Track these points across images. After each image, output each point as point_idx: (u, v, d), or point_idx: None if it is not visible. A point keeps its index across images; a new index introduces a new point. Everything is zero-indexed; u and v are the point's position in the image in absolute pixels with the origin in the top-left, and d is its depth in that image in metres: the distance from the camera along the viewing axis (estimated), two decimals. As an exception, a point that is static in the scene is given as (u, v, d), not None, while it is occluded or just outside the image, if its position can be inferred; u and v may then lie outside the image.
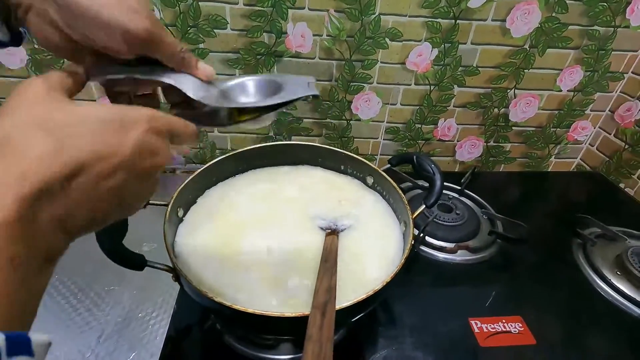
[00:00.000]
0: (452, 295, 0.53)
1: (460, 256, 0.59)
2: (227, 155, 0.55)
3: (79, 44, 0.24)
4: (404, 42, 0.72)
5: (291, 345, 0.43)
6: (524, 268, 0.59)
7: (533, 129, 0.87)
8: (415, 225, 0.59)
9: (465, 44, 0.73)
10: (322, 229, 0.47)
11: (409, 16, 0.69)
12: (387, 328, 0.48)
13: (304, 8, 0.67)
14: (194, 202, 0.50)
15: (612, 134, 0.85)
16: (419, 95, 0.79)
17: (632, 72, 0.80)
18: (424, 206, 0.45)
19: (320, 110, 0.80)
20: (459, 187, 0.73)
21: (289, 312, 0.32)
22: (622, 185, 0.83)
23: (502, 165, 0.93)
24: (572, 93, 0.82)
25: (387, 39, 0.71)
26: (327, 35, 0.70)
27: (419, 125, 0.84)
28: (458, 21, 0.70)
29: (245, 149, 0.57)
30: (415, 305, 0.52)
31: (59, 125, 0.18)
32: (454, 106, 0.82)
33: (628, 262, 0.56)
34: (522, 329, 0.48)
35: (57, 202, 0.17)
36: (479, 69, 0.77)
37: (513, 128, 0.86)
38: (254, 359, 0.43)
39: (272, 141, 0.83)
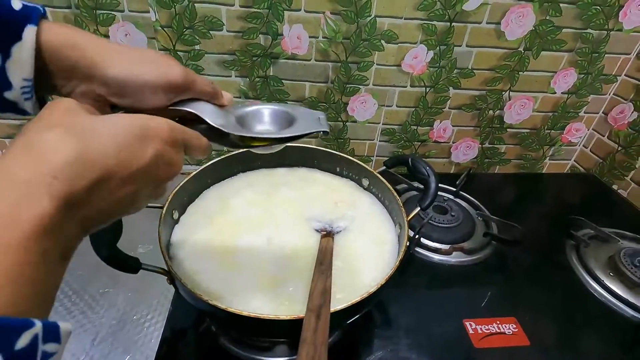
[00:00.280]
0: (447, 296, 0.54)
1: (455, 258, 0.60)
2: (223, 157, 0.55)
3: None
4: (399, 44, 0.72)
5: (286, 348, 0.43)
6: (519, 269, 0.59)
7: (527, 130, 0.88)
8: (411, 227, 0.59)
9: (460, 46, 0.74)
10: (317, 230, 0.47)
11: (405, 18, 0.69)
12: (382, 329, 0.48)
13: (300, 10, 0.67)
14: (190, 204, 0.50)
15: (606, 136, 0.86)
16: (415, 97, 0.80)
17: (625, 75, 0.81)
18: (418, 208, 0.45)
19: (316, 112, 0.80)
20: (454, 189, 0.73)
21: (284, 314, 0.32)
22: (615, 187, 0.83)
23: (497, 166, 0.93)
24: (566, 95, 0.83)
25: (382, 41, 0.72)
26: (323, 37, 0.70)
27: (415, 127, 0.84)
28: (453, 24, 0.71)
29: (241, 150, 0.57)
30: (411, 306, 0.52)
31: (85, 130, 0.19)
32: (449, 108, 0.82)
33: (621, 263, 0.56)
34: (517, 330, 0.48)
35: (83, 204, 0.18)
36: (474, 71, 0.77)
37: (508, 130, 0.87)
38: (249, 361, 0.43)
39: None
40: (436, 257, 0.60)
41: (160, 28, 0.68)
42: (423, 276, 0.57)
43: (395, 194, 0.48)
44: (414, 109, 0.81)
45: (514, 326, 0.49)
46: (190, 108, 0.29)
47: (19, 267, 0.15)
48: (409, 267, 0.59)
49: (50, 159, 0.17)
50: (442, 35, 0.72)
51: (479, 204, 0.71)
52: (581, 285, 0.56)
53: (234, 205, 0.51)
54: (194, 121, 0.29)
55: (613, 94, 0.83)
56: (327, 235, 0.45)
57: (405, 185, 0.71)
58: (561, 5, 0.70)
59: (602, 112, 0.86)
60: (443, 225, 0.63)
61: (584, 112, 0.86)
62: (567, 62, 0.78)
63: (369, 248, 0.45)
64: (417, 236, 0.58)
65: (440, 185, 0.72)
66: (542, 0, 0.69)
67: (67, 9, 0.65)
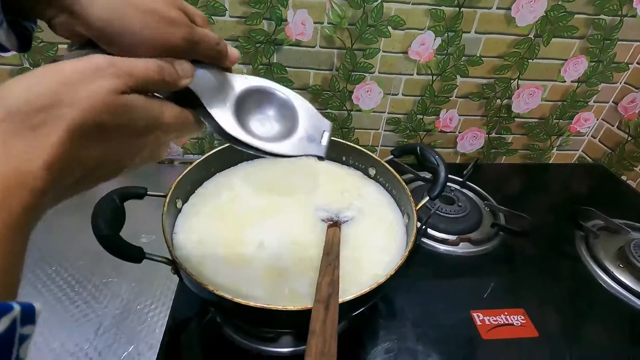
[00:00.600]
0: (453, 287, 0.53)
1: (462, 248, 0.59)
2: (227, 145, 0.54)
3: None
4: (406, 30, 0.70)
5: (292, 338, 0.42)
6: (527, 260, 0.58)
7: (536, 120, 0.86)
8: (417, 217, 0.59)
9: (469, 32, 0.72)
10: (323, 221, 0.46)
11: (412, 4, 0.67)
12: (388, 320, 0.48)
13: (304, -6, 0.65)
14: (193, 193, 0.49)
15: (615, 126, 0.84)
16: (421, 85, 0.78)
17: (638, 63, 0.79)
18: (427, 198, 0.44)
19: (320, 101, 0.78)
20: (461, 179, 0.72)
21: (290, 304, 0.32)
22: (624, 178, 0.82)
23: (504, 157, 0.92)
24: (576, 84, 0.81)
25: (389, 27, 0.70)
26: (328, 23, 0.68)
27: (421, 116, 0.83)
28: (462, 9, 0.69)
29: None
30: (417, 297, 0.51)
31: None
32: (456, 97, 0.81)
33: (631, 255, 0.56)
34: (525, 321, 0.48)
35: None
36: (483, 58, 0.75)
37: (515, 119, 0.85)
38: (254, 352, 0.43)
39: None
40: (443, 247, 0.59)
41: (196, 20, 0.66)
42: (429, 267, 0.56)
43: (404, 183, 0.47)
44: (420, 97, 0.80)
45: (522, 317, 0.48)
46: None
47: None
48: (415, 257, 0.58)
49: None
50: (451, 21, 0.70)
51: (486, 194, 0.70)
52: (590, 276, 0.55)
53: (239, 194, 0.50)
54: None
55: (624, 83, 0.81)
56: (334, 225, 0.44)
57: (412, 175, 0.69)
58: (574, -11, 0.68)
59: (612, 101, 0.84)
60: (450, 215, 0.62)
61: (594, 102, 0.84)
62: (578, 49, 0.76)
63: (377, 238, 0.44)
64: (423, 227, 0.57)
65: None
66: (554, -16, 0.67)
67: None
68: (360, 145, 0.86)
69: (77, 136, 0.17)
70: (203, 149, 0.84)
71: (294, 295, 0.37)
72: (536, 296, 0.52)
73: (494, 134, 0.88)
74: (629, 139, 0.81)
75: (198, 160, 0.49)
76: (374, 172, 0.53)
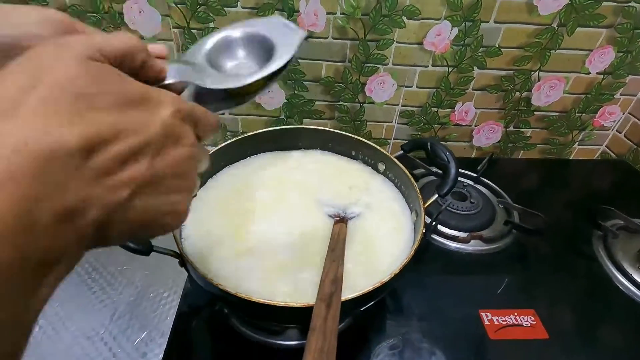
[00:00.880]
0: (462, 285, 0.52)
1: (473, 246, 0.58)
2: (237, 138, 0.54)
3: None
4: (422, 20, 0.68)
5: (297, 332, 0.43)
6: (540, 260, 0.57)
7: (557, 113, 0.83)
8: (428, 214, 0.58)
9: (487, 22, 0.69)
10: (330, 216, 0.46)
11: (429, -8, 0.65)
12: (394, 316, 0.48)
13: (317, -16, 0.64)
14: (203, 185, 0.50)
15: (643, 120, 0.80)
16: (436, 77, 0.76)
17: (670, 54, 0.74)
18: (436, 195, 0.43)
19: (332, 93, 0.77)
20: (475, 175, 0.70)
21: (295, 300, 0.32)
22: (649, 175, 0.79)
23: (522, 151, 0.89)
24: (602, 76, 0.77)
25: (404, 17, 0.68)
26: (341, 14, 0.67)
27: (435, 109, 0.81)
28: (481, -3, 0.66)
29: (256, 132, 0.56)
30: (425, 294, 0.51)
31: (79, 88, 0.15)
32: (472, 89, 0.78)
33: (652, 257, 0.53)
34: (535, 322, 0.47)
35: (64, 186, 0.13)
36: (502, 49, 0.73)
37: (535, 113, 0.82)
38: (260, 344, 0.43)
39: (284, 124, 0.82)
40: (453, 245, 0.58)
41: (173, 5, 0.66)
42: (439, 264, 0.56)
43: (413, 179, 0.46)
44: (435, 89, 0.78)
45: (533, 318, 0.47)
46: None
47: None
48: (425, 254, 0.57)
49: (24, 124, 0.13)
50: (469, 10, 0.67)
51: (500, 190, 0.68)
52: (607, 278, 0.54)
53: (247, 188, 0.50)
54: None
55: (654, 74, 0.77)
56: (340, 221, 0.44)
57: (423, 170, 0.68)
58: (602, -25, 0.64)
59: (641, 94, 0.80)
60: (462, 212, 0.60)
61: (620, 95, 0.80)
62: (605, 39, 0.72)
63: (384, 235, 0.44)
64: (434, 223, 0.57)
65: (460, 170, 0.70)
66: (581, -29, 0.64)
67: (82, -15, 0.64)
68: (372, 138, 0.85)
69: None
70: (216, 141, 0.85)
71: (299, 290, 0.37)
72: (548, 297, 0.50)
73: (511, 128, 0.85)
74: (656, 135, 0.77)
75: (209, 153, 0.50)
76: (384, 167, 0.52)
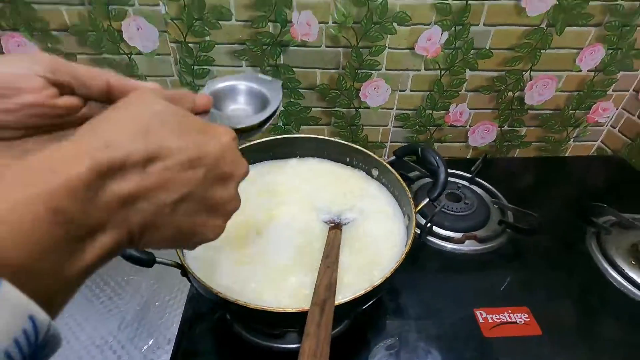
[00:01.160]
0: (458, 285, 0.54)
1: (468, 246, 0.59)
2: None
3: None
4: (412, 26, 0.70)
5: (297, 335, 0.44)
6: (534, 258, 0.58)
7: (550, 111, 0.84)
8: (423, 215, 0.59)
9: (477, 25, 0.71)
10: (325, 222, 0.47)
11: (418, -1, 0.67)
12: (392, 317, 0.49)
13: (308, -5, 0.66)
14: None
15: (636, 115, 0.81)
16: (429, 80, 0.77)
17: (660, 49, 0.75)
18: (427, 199, 0.45)
19: (328, 99, 0.79)
20: (470, 175, 0.72)
21: (291, 304, 0.33)
22: (644, 169, 0.79)
23: (517, 150, 0.90)
24: (593, 73, 0.78)
25: (395, 24, 0.69)
26: (333, 23, 0.69)
27: (430, 112, 0.82)
28: (470, 1, 0.67)
29: (253, 142, 0.58)
30: (421, 295, 0.52)
31: (153, 114, 0.19)
32: (465, 91, 0.79)
33: (644, 252, 0.54)
34: (528, 319, 0.48)
35: (129, 181, 0.17)
36: (492, 51, 0.74)
37: (529, 111, 0.83)
38: (261, 347, 0.45)
39: (282, 131, 0.84)
40: (449, 245, 0.59)
41: (170, 20, 0.68)
42: (434, 265, 0.57)
43: (405, 185, 0.47)
44: (428, 92, 0.79)
45: (526, 316, 0.48)
46: None
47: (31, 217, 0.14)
48: (421, 255, 0.59)
49: (108, 133, 0.18)
50: (458, 14, 0.69)
51: (495, 190, 0.69)
52: (600, 274, 0.55)
53: (245, 196, 0.51)
54: None
55: (645, 70, 0.78)
56: (335, 227, 0.46)
57: (418, 173, 0.70)
58: (588, -25, 0.65)
59: (633, 90, 0.81)
60: (456, 213, 0.62)
61: (613, 91, 0.81)
62: (594, 37, 0.73)
63: (377, 239, 0.45)
64: (429, 224, 0.58)
65: (455, 171, 0.72)
66: (567, -28, 0.65)
67: (81, 5, 0.66)
68: (369, 142, 0.87)
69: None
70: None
71: (296, 294, 0.39)
72: (542, 294, 0.52)
73: (506, 127, 0.86)
74: (650, 129, 0.78)
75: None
76: (377, 172, 0.54)
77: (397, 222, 0.48)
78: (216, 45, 0.71)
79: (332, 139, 0.58)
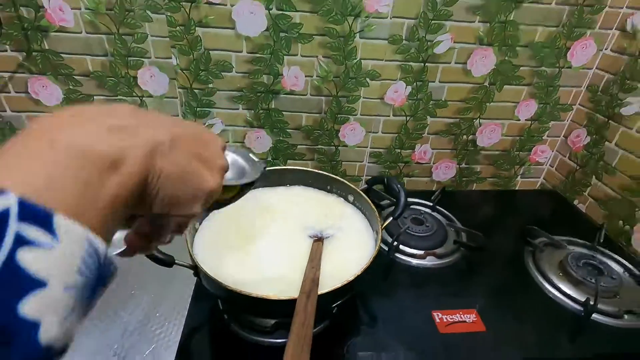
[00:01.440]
0: (420, 293, 0.64)
1: (429, 261, 0.70)
2: (233, 178, 0.67)
3: None
4: (382, 81, 0.85)
5: (285, 331, 0.53)
6: (482, 271, 0.69)
7: (499, 152, 0.99)
8: (390, 234, 0.71)
9: (434, 82, 0.87)
10: (310, 237, 0.58)
11: (385, 60, 0.83)
12: (364, 320, 0.59)
13: (297, 55, 0.80)
14: (206, 217, 0.62)
15: (567, 157, 0.98)
16: (397, 124, 0.92)
17: (579, 104, 0.93)
18: (391, 218, 0.56)
19: (312, 138, 0.92)
20: (431, 204, 0.85)
21: (282, 297, 0.43)
22: (576, 202, 0.94)
23: (475, 184, 1.05)
24: (530, 122, 0.95)
25: (367, 79, 0.85)
26: (316, 76, 0.83)
27: (399, 150, 0.96)
28: (427, 64, 0.84)
29: (248, 172, 0.69)
30: (390, 302, 0.62)
31: (170, 120, 0.25)
32: (428, 133, 0.94)
33: (568, 265, 0.67)
34: (476, 319, 0.58)
35: (166, 154, 0.22)
36: (448, 102, 0.90)
37: (481, 152, 0.99)
38: (254, 342, 0.53)
39: (270, 165, 0.95)
40: (413, 261, 0.70)
41: (180, 71, 0.81)
42: (401, 277, 0.68)
43: (374, 207, 0.59)
44: (397, 134, 0.94)
45: (474, 316, 0.59)
46: None
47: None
48: (391, 270, 0.69)
49: (151, 129, 0.22)
50: (418, 73, 0.85)
51: (452, 216, 0.82)
52: (534, 284, 0.66)
53: (241, 217, 0.62)
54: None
55: (570, 120, 0.96)
56: (318, 240, 0.56)
57: (388, 201, 0.82)
58: (517, 48, 0.83)
59: (563, 136, 0.98)
60: (419, 234, 0.74)
61: (547, 136, 0.98)
62: (527, 94, 0.90)
63: (352, 249, 0.56)
64: (395, 243, 0.69)
65: (419, 200, 0.84)
66: (500, 44, 0.83)
67: (104, 56, 0.78)
68: (347, 176, 0.99)
69: None
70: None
71: (287, 290, 0.48)
72: (487, 299, 0.62)
73: (464, 165, 1.01)
74: (577, 168, 0.94)
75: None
76: (352, 198, 0.66)
77: (368, 237, 0.59)
78: (218, 92, 0.84)
79: (315, 170, 0.70)
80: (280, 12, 0.75)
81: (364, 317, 0.59)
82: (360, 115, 0.90)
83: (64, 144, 0.18)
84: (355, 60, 0.82)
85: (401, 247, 0.71)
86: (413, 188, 1.01)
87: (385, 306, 0.61)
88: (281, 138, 0.92)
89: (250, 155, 0.38)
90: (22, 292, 0.14)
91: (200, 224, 0.60)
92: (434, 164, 1.00)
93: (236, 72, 0.82)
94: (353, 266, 0.51)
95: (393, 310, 0.60)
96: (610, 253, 0.73)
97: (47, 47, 0.76)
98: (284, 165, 0.96)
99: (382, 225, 0.55)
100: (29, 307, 0.14)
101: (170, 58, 0.79)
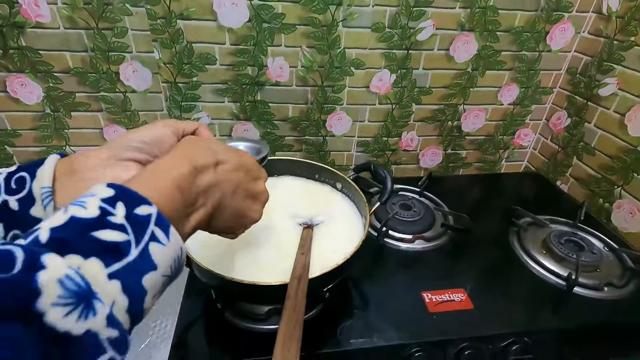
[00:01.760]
0: (410, 275, 0.66)
1: (418, 245, 0.72)
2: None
3: None
4: (366, 69, 0.86)
5: (278, 318, 0.54)
6: (469, 252, 0.71)
7: (483, 137, 1.01)
8: (379, 220, 0.72)
9: (418, 69, 0.88)
10: (300, 224, 0.59)
11: (369, 49, 0.83)
12: (356, 303, 0.60)
13: (280, 45, 0.80)
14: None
15: (549, 139, 1.00)
16: (383, 113, 0.93)
17: (559, 87, 0.95)
18: (378, 203, 0.57)
19: (299, 129, 0.93)
20: (418, 189, 0.86)
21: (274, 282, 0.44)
22: (559, 183, 0.97)
23: (461, 169, 1.07)
24: (512, 106, 0.97)
25: (352, 68, 0.85)
26: (301, 67, 0.83)
27: (386, 139, 0.97)
28: (410, 51, 0.85)
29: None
30: (381, 285, 0.63)
31: (217, 147, 0.35)
32: (413, 121, 0.96)
33: (550, 243, 0.69)
34: (464, 298, 0.60)
35: (207, 175, 0.31)
36: (432, 89, 0.91)
37: (466, 137, 1.00)
38: (248, 329, 0.54)
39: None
40: (403, 245, 0.72)
41: (163, 65, 0.80)
42: (391, 261, 0.69)
43: (361, 192, 0.60)
44: (383, 123, 0.95)
45: (462, 295, 0.61)
46: None
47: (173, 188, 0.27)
48: (381, 255, 0.70)
49: (195, 156, 0.31)
50: (402, 61, 0.86)
51: (439, 201, 0.84)
52: (519, 262, 0.69)
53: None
54: None
55: (551, 104, 0.98)
56: (308, 227, 0.57)
57: (377, 189, 0.83)
58: (497, 33, 0.85)
59: (545, 119, 1.01)
60: (407, 219, 0.75)
61: (529, 120, 1.00)
62: (509, 78, 0.92)
63: (341, 235, 0.57)
64: (384, 228, 0.70)
65: (407, 187, 0.86)
66: (481, 30, 0.84)
67: (84, 52, 0.77)
68: (335, 166, 1.00)
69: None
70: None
71: (278, 278, 0.49)
72: (474, 279, 0.64)
73: (450, 151, 1.03)
74: (559, 150, 0.97)
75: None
76: (340, 186, 0.66)
77: (357, 223, 0.60)
78: (202, 85, 0.84)
79: (304, 159, 0.71)
80: (262, 2, 0.75)
81: (356, 301, 0.60)
82: (347, 104, 0.90)
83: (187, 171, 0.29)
84: (339, 50, 0.82)
85: (390, 232, 0.73)
86: (401, 175, 1.02)
87: (376, 289, 0.62)
88: (268, 130, 0.92)
89: (254, 138, 0.54)
90: (147, 270, 0.23)
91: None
92: (420, 150, 1.01)
93: (220, 65, 0.82)
94: (343, 251, 0.52)
95: (384, 293, 0.61)
96: (591, 230, 0.75)
97: (24, 44, 0.74)
98: (273, 156, 0.96)
99: (370, 210, 0.56)
100: (145, 280, 0.22)
101: (153, 52, 0.79)
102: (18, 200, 0.30)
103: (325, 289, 0.50)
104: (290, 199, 0.64)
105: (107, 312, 0.20)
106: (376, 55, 0.84)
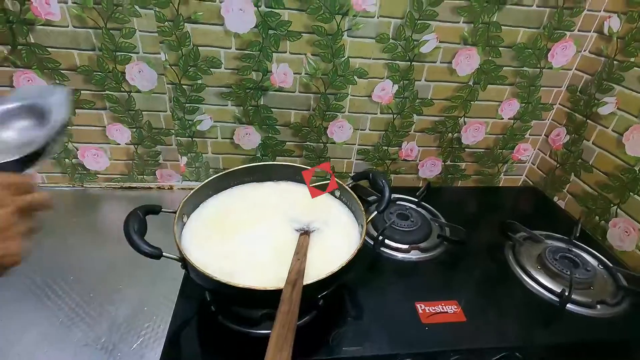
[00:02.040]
0: (404, 285, 0.66)
1: (414, 255, 0.72)
2: (221, 173, 0.68)
3: None
4: (369, 79, 0.87)
5: (270, 323, 0.54)
6: (464, 264, 0.72)
7: (483, 150, 1.02)
8: (375, 229, 0.72)
9: (420, 80, 0.89)
10: (297, 230, 0.59)
11: (373, 59, 0.84)
12: (350, 311, 0.60)
13: (285, 52, 0.81)
14: (195, 210, 0.62)
15: (548, 155, 1.01)
16: (384, 122, 0.94)
17: (559, 104, 0.96)
18: (375, 212, 0.58)
19: (300, 135, 0.93)
20: (416, 199, 0.87)
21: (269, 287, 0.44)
22: (556, 198, 0.98)
23: (459, 181, 1.07)
24: (512, 121, 0.98)
25: (355, 77, 0.86)
26: (305, 74, 0.84)
27: (386, 148, 0.98)
28: (413, 63, 0.86)
29: (236, 168, 0.69)
30: (375, 294, 0.64)
31: None
32: (414, 131, 0.96)
33: (545, 259, 0.70)
34: (457, 310, 0.61)
35: None
36: (433, 100, 0.92)
37: (466, 150, 1.01)
38: (242, 333, 0.54)
39: (259, 161, 0.96)
40: (399, 255, 0.72)
41: (168, 66, 0.81)
42: (387, 271, 0.69)
43: (359, 200, 0.61)
44: (384, 132, 0.95)
45: (455, 307, 0.61)
46: None
47: None
48: (376, 263, 0.71)
49: None
50: (404, 72, 0.87)
51: (436, 212, 0.84)
52: (513, 276, 0.69)
53: (230, 211, 0.63)
54: None
55: (551, 120, 0.99)
56: (305, 233, 0.58)
57: (375, 197, 0.83)
58: (500, 48, 0.86)
59: (544, 135, 1.01)
60: (404, 229, 0.75)
61: (529, 135, 1.01)
62: (510, 93, 0.93)
63: (338, 243, 0.57)
64: (380, 237, 0.71)
65: (405, 196, 0.86)
66: (484, 45, 0.85)
67: (92, 50, 0.78)
68: (335, 172, 1.00)
69: None
70: (199, 176, 0.97)
71: (273, 282, 0.49)
72: (468, 291, 0.65)
73: (449, 162, 1.03)
74: (557, 166, 0.98)
75: (199, 186, 0.63)
76: (339, 193, 0.67)
77: (354, 231, 0.60)
78: (206, 88, 0.85)
79: (303, 166, 0.71)
80: (269, 9, 0.76)
81: (350, 308, 0.61)
82: (348, 112, 0.91)
83: None
84: (343, 58, 0.83)
85: (387, 241, 0.73)
86: (400, 185, 1.03)
87: (370, 298, 0.62)
88: (270, 135, 0.93)
89: (42, 87, 0.31)
90: None
91: (188, 217, 0.60)
92: (420, 161, 1.02)
93: (225, 69, 0.82)
94: (339, 259, 0.53)
95: (378, 302, 0.62)
96: (586, 247, 0.76)
97: (32, 41, 0.75)
98: (273, 161, 0.96)
99: (367, 219, 0.56)
100: None
101: (159, 53, 0.79)
102: None
103: (319, 296, 0.50)
104: (289, 205, 0.65)
105: None
106: (379, 65, 0.85)
